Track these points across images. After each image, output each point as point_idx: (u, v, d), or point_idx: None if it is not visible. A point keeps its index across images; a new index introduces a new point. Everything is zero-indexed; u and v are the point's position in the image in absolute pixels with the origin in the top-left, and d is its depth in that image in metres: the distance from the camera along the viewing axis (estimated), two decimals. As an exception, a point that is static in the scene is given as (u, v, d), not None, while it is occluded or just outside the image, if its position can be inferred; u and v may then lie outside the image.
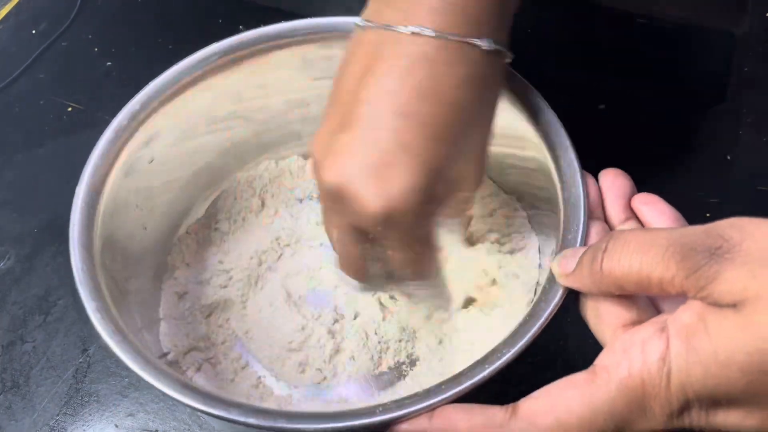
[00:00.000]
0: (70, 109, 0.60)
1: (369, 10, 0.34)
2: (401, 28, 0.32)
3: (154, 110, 0.40)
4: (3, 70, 0.62)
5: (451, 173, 0.33)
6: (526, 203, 0.45)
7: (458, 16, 0.32)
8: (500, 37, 0.34)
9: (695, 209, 0.51)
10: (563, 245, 0.34)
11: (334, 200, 0.33)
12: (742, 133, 0.54)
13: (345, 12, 0.59)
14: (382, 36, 0.33)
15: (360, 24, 0.34)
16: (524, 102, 0.39)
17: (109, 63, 0.62)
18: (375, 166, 0.31)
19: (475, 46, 0.32)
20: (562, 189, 0.36)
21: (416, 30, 0.32)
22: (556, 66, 0.56)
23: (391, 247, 0.35)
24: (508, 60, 0.35)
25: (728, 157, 0.53)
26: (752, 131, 0.54)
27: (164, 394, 0.32)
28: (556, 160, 0.37)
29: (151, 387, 0.45)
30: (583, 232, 0.34)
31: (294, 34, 0.43)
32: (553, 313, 0.32)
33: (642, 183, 0.52)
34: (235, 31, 0.64)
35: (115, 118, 0.40)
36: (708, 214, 0.50)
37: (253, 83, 0.44)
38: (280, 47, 0.43)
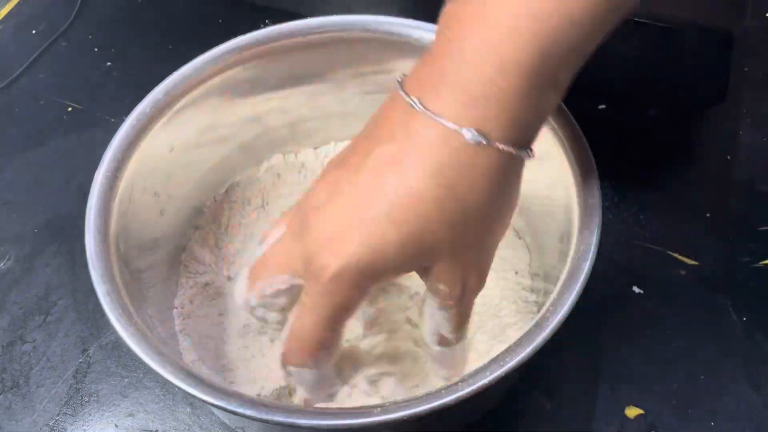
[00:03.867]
0: (70, 109, 0.60)
1: (414, 76, 0.32)
2: (440, 120, 0.30)
3: (177, 99, 0.40)
4: (3, 70, 0.62)
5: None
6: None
7: (503, 117, 0.30)
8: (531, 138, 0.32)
9: (696, 209, 0.51)
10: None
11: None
12: (742, 133, 0.54)
13: (346, 11, 0.60)
14: (419, 121, 0.30)
15: (402, 94, 0.31)
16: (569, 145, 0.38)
17: (109, 63, 0.63)
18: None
19: (514, 155, 0.30)
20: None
21: (454, 128, 0.29)
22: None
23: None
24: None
25: (728, 157, 0.53)
26: (752, 131, 0.54)
27: (166, 381, 0.31)
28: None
29: (151, 387, 0.45)
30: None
31: (317, 30, 0.43)
32: (558, 326, 0.31)
33: (643, 183, 0.52)
34: (234, 31, 0.64)
35: (138, 106, 0.40)
36: (708, 214, 0.51)
37: (277, 76, 0.44)
38: (305, 43, 0.43)
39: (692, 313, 0.46)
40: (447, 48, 0.30)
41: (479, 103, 0.29)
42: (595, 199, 0.35)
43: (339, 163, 0.33)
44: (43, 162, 0.57)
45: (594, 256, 0.34)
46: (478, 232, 0.31)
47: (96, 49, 0.63)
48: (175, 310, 0.43)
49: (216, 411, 0.43)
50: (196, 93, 0.41)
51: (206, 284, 0.45)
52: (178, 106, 0.41)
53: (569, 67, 0.31)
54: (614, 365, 0.44)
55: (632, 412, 0.43)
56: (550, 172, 0.39)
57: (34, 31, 0.65)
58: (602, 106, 0.56)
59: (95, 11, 0.66)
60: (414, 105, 0.30)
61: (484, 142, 0.29)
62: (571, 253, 0.34)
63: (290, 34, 0.43)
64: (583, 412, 0.43)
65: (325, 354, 0.33)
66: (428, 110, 0.30)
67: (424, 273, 0.32)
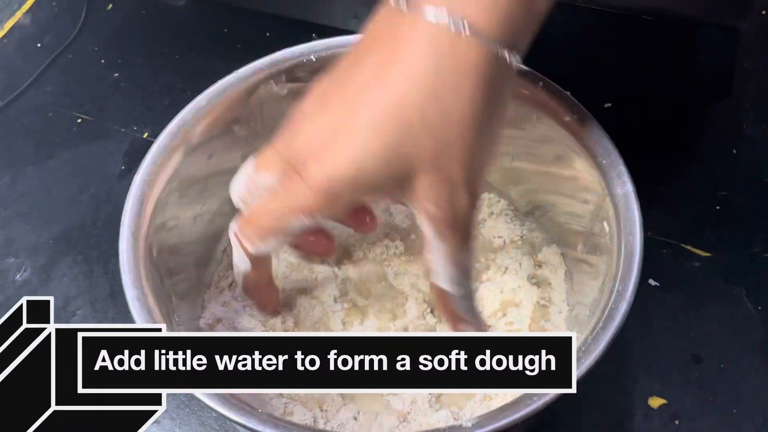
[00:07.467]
0: (79, 120, 0.60)
1: None
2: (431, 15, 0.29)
3: (218, 107, 0.40)
4: (10, 83, 0.62)
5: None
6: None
7: (501, 18, 0.30)
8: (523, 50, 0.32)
9: (705, 203, 0.52)
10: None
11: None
12: (747, 127, 0.56)
13: (352, 18, 0.60)
14: (405, 22, 0.30)
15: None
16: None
17: (116, 74, 0.63)
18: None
19: (504, 60, 0.30)
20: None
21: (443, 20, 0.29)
22: (562, 65, 0.57)
23: None
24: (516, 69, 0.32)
25: (734, 151, 0.54)
26: (756, 126, 0.56)
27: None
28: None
29: (176, 392, 0.45)
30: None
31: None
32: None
33: (652, 179, 0.53)
34: (239, 40, 0.65)
35: (179, 114, 0.40)
36: (718, 207, 0.51)
37: None
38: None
39: (708, 303, 0.47)
40: None
41: None
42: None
43: (330, 74, 0.33)
44: (55, 173, 0.57)
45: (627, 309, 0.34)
46: (463, 143, 0.31)
47: (102, 61, 0.64)
48: (201, 320, 0.43)
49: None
50: (238, 102, 0.41)
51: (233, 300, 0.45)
52: (219, 113, 0.41)
53: None
54: (635, 357, 0.45)
55: (655, 402, 0.43)
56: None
57: (39, 44, 0.65)
58: (608, 105, 0.56)
59: (100, 23, 0.66)
60: (400, 3, 0.30)
61: (469, 32, 0.29)
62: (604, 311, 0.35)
63: (339, 46, 0.42)
64: (608, 404, 0.44)
65: (274, 242, 0.34)
66: (413, 5, 0.30)
67: (409, 192, 0.32)
